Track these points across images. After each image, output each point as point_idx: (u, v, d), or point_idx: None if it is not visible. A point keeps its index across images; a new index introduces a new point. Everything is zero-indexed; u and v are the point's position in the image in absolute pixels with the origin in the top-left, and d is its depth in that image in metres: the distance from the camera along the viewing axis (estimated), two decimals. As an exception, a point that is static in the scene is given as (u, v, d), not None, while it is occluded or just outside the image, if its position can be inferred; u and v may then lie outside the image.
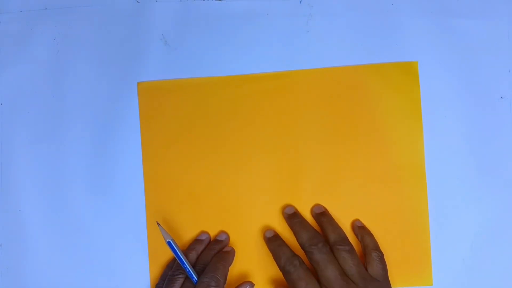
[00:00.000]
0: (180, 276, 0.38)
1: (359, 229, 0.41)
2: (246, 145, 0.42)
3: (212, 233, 0.42)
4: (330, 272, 0.37)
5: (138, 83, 0.43)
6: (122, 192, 0.43)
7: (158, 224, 0.39)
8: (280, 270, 0.39)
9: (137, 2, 0.44)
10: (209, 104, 0.43)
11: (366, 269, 0.39)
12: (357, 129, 0.42)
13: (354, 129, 0.42)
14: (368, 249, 0.40)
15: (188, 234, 0.42)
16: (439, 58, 0.42)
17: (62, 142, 0.43)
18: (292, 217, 0.41)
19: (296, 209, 0.42)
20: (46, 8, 0.44)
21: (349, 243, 0.39)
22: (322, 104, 0.42)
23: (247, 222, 0.42)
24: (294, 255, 0.39)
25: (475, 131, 0.42)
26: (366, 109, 0.42)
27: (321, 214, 0.41)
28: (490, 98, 0.42)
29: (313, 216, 0.42)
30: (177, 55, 0.43)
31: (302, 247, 0.39)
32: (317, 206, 0.42)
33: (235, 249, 0.42)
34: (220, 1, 0.43)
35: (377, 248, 0.40)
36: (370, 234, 0.41)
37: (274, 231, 0.42)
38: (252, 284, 0.41)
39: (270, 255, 0.40)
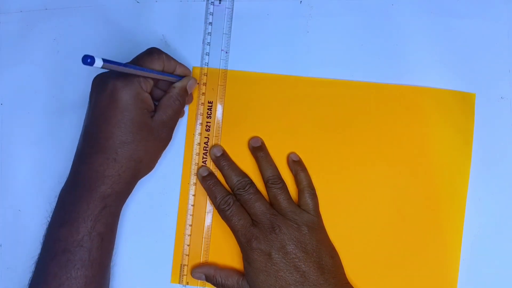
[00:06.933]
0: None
1: (294, 163, 0.42)
2: (289, 150, 0.42)
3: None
4: (257, 209, 0.39)
5: (193, 67, 0.43)
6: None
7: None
8: (216, 208, 0.41)
9: (137, 2, 0.44)
10: (259, 99, 0.43)
11: (299, 204, 0.40)
12: (403, 149, 0.42)
13: (400, 149, 0.42)
14: (301, 186, 0.41)
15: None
16: (439, 58, 0.42)
17: (62, 142, 0.43)
18: (220, 159, 0.42)
19: (224, 151, 0.42)
20: (46, 8, 0.44)
21: (281, 181, 0.41)
22: (372, 119, 0.42)
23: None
24: (228, 194, 0.41)
25: (475, 131, 0.42)
26: (416, 131, 0.42)
27: (258, 149, 0.42)
28: (490, 98, 0.42)
29: (249, 148, 0.42)
30: (177, 55, 0.43)
31: (232, 190, 0.41)
32: (255, 138, 0.42)
33: None
34: (220, 1, 0.43)
35: (309, 185, 0.41)
36: (304, 170, 0.42)
37: (208, 169, 0.42)
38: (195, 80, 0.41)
39: None
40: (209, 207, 0.42)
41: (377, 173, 0.42)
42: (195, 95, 0.43)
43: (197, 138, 0.43)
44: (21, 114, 0.44)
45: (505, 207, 0.42)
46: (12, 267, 0.43)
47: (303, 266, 0.37)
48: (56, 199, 0.37)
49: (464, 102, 0.42)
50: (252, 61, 0.43)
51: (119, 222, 0.43)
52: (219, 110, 0.43)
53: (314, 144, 0.42)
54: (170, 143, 0.43)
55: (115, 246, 0.43)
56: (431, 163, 0.42)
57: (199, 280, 0.42)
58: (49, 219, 0.37)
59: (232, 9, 0.43)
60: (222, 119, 0.43)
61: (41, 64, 0.44)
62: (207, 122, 0.43)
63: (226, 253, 0.42)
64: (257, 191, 0.41)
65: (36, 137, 0.44)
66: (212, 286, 0.41)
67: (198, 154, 0.43)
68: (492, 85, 0.42)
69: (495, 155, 0.42)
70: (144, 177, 0.43)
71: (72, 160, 0.37)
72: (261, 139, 0.42)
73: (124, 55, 0.43)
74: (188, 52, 0.43)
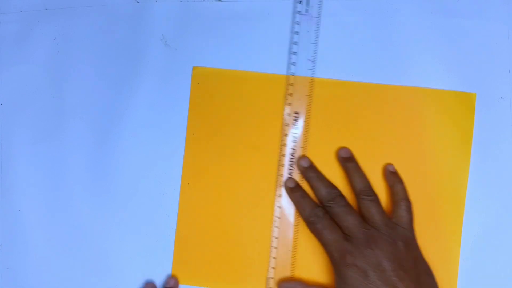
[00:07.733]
0: None
1: (391, 175, 0.41)
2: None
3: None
4: (350, 222, 0.37)
5: (194, 67, 0.43)
6: (123, 192, 0.43)
7: None
8: (304, 221, 0.39)
9: (137, 2, 0.44)
10: (257, 99, 0.43)
11: (391, 217, 0.39)
12: (403, 149, 0.42)
13: (400, 150, 0.42)
14: (397, 197, 0.39)
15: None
16: (439, 58, 0.42)
17: (62, 142, 0.43)
18: (308, 170, 0.41)
19: (311, 162, 0.41)
20: (46, 8, 0.44)
21: (373, 193, 0.39)
22: (372, 120, 0.42)
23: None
24: (318, 206, 0.39)
25: (475, 131, 0.42)
26: (416, 131, 0.42)
27: (348, 159, 0.41)
28: (490, 98, 0.42)
29: (338, 159, 0.41)
30: (177, 55, 0.43)
31: (321, 202, 0.40)
32: (344, 149, 0.41)
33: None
34: (220, 1, 0.43)
35: (406, 197, 0.39)
36: (401, 182, 0.40)
37: (295, 181, 0.41)
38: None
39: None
40: (297, 218, 0.41)
41: (376, 173, 0.42)
42: (280, 105, 0.42)
43: (282, 149, 0.42)
44: (21, 114, 0.44)
45: (505, 207, 0.42)
46: (12, 267, 0.43)
47: (401, 285, 0.35)
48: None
49: (464, 102, 0.42)
50: (252, 61, 0.43)
51: (119, 223, 0.43)
52: (303, 121, 0.42)
53: (314, 144, 0.42)
54: (169, 143, 0.43)
55: (114, 247, 0.43)
56: (431, 163, 0.42)
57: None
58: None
59: (232, 9, 0.43)
60: (308, 129, 0.42)
61: (41, 64, 0.44)
62: (293, 133, 0.42)
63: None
64: (348, 203, 0.39)
65: (36, 137, 0.44)
66: None
67: (284, 165, 0.42)
68: (492, 85, 0.42)
69: (495, 155, 0.42)
70: (144, 178, 0.43)
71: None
72: (349, 149, 0.41)
73: (124, 55, 0.44)
74: (188, 52, 0.43)
